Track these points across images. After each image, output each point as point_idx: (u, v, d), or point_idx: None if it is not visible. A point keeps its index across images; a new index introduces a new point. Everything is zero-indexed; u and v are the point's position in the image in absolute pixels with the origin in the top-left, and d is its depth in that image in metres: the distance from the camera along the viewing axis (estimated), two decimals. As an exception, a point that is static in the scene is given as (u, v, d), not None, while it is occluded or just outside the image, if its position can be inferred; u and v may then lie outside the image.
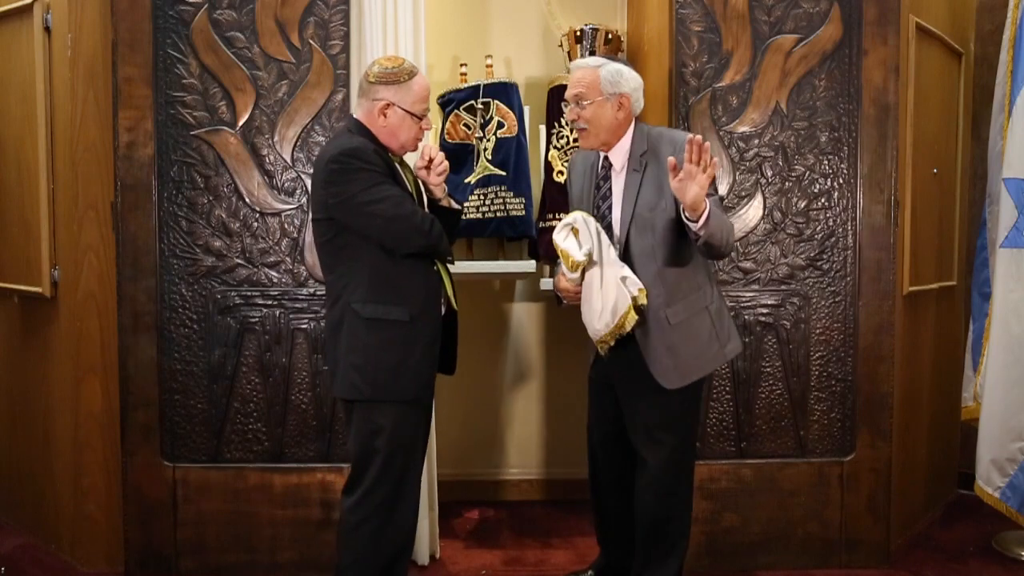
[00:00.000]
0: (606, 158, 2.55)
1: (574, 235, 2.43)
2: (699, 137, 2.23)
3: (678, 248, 2.45)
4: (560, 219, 2.55)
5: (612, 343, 2.48)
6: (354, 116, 2.47)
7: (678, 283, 2.46)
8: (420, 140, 2.49)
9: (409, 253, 2.35)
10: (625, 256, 2.46)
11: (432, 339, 2.42)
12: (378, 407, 2.35)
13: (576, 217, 2.45)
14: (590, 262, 2.42)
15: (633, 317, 2.40)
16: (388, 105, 2.38)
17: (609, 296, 2.40)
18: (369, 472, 2.36)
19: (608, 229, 2.49)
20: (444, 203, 2.53)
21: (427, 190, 2.52)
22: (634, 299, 2.39)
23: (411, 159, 2.56)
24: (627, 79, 2.48)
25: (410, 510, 2.44)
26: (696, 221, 2.27)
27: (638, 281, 2.41)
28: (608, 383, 2.64)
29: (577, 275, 2.46)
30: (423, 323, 2.39)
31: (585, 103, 2.47)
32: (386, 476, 2.36)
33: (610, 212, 2.51)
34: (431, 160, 2.48)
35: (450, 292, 2.48)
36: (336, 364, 2.40)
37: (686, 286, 2.47)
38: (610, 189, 2.53)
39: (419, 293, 2.38)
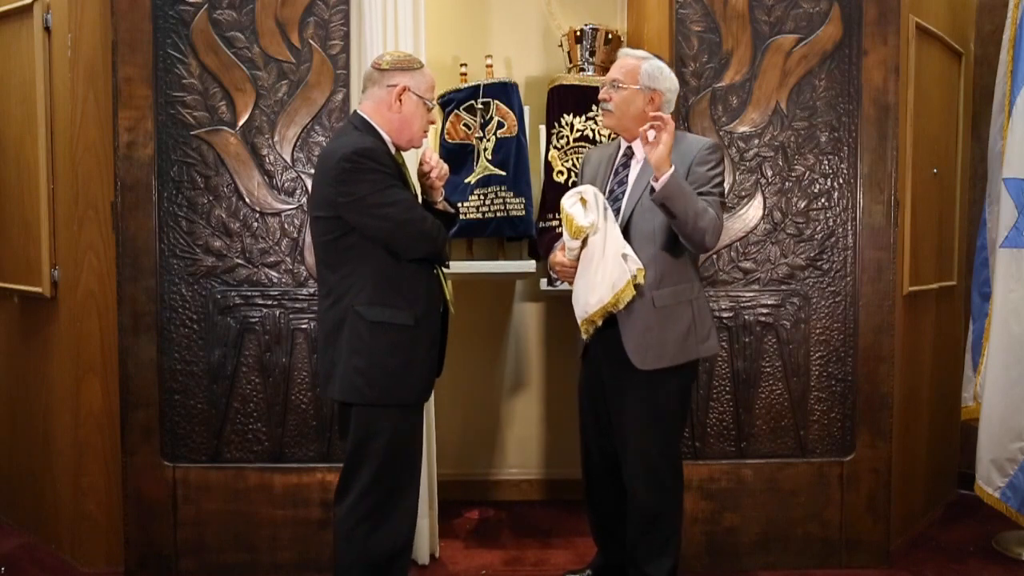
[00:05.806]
0: (629, 147, 2.65)
1: (581, 204, 2.46)
2: (666, 116, 2.38)
3: (676, 237, 2.50)
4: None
5: (599, 323, 2.52)
6: (358, 112, 2.42)
7: (670, 269, 2.53)
8: (427, 134, 2.48)
9: (414, 258, 2.35)
10: (626, 236, 2.52)
11: (432, 342, 2.42)
12: (379, 411, 2.34)
13: (587, 188, 2.49)
14: (592, 232, 2.45)
15: (630, 293, 2.44)
16: (405, 90, 2.37)
17: (608, 269, 2.44)
18: (362, 476, 2.34)
19: (617, 213, 2.56)
20: (440, 207, 2.52)
21: (425, 192, 2.51)
22: (633, 276, 2.43)
23: (410, 161, 2.56)
24: (665, 78, 2.60)
25: (408, 512, 2.42)
26: (656, 180, 2.38)
27: (638, 260, 2.46)
28: (598, 382, 2.67)
29: (577, 244, 2.49)
30: (425, 327, 2.38)
31: (619, 88, 2.57)
32: (381, 480, 2.34)
33: (623, 196, 2.58)
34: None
35: (449, 295, 2.48)
36: (334, 366, 2.35)
37: (677, 275, 2.54)
38: (628, 175, 2.61)
39: (423, 297, 2.37)
